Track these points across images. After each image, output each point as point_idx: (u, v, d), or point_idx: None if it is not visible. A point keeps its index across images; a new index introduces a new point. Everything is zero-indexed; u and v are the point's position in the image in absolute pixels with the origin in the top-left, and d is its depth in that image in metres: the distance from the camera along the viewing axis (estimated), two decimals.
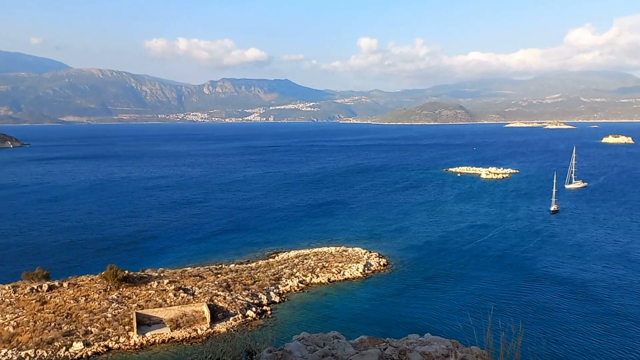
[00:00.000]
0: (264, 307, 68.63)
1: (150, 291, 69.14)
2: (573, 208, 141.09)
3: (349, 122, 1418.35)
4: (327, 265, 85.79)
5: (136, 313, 62.07)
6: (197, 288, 71.13)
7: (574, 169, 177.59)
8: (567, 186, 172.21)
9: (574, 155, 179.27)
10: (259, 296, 71.04)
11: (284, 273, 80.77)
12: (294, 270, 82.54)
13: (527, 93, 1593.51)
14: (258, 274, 79.48)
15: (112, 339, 57.93)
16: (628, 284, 78.56)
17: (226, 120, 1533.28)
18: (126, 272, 71.43)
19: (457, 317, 61.21)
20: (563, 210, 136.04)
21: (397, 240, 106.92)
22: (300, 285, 77.47)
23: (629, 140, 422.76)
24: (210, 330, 61.04)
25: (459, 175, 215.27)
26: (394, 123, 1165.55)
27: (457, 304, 70.61)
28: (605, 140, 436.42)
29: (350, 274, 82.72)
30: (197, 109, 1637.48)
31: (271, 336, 15.26)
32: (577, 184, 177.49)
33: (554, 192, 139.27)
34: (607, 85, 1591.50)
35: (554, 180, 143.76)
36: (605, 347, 57.56)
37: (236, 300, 68.33)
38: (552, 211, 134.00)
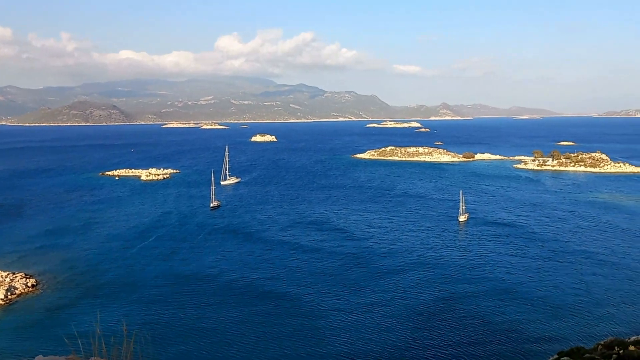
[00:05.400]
0: None
1: None
2: (231, 202, 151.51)
3: None
4: None
5: None
6: None
7: (228, 166, 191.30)
8: (222, 183, 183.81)
9: (226, 153, 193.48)
10: None
11: None
12: None
13: (182, 94, 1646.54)
14: None
15: None
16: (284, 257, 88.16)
17: None
18: None
19: (107, 331, 56.82)
20: (223, 205, 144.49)
21: (51, 255, 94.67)
22: None
23: (273, 138, 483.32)
24: None
25: (117, 178, 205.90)
26: (37, 124, 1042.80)
27: (114, 315, 65.87)
28: (254, 138, 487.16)
29: None
30: None
31: None
32: (232, 180, 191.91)
33: (212, 189, 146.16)
34: (253, 90, 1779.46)
35: (212, 178, 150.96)
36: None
37: None
38: (213, 207, 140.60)
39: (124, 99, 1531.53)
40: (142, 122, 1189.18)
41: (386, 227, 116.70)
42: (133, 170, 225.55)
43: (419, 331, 61.90)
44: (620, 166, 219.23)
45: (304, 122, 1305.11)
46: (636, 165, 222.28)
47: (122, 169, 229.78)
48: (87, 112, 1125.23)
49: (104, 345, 11.98)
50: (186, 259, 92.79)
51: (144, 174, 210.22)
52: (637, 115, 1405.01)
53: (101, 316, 64.90)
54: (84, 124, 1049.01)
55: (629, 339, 50.16)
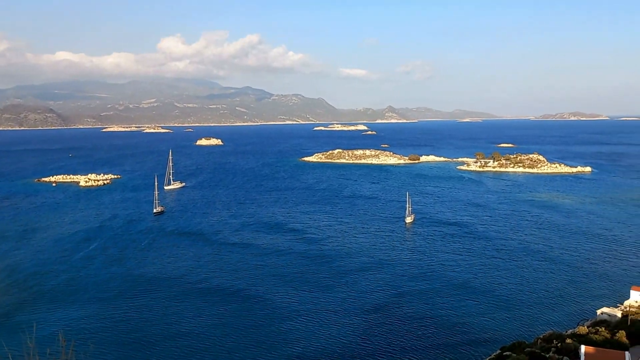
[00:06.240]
0: None
1: None
2: (175, 207, 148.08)
3: None
4: None
5: None
6: None
7: (171, 171, 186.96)
8: (166, 187, 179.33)
9: (170, 157, 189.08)
10: None
11: None
12: None
13: (123, 97, 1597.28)
14: None
15: None
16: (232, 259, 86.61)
17: None
18: None
19: (44, 342, 54.10)
20: (167, 211, 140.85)
21: None
22: None
23: (219, 142, 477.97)
24: None
25: (54, 184, 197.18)
26: None
27: (53, 327, 62.70)
28: (199, 142, 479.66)
29: None
30: None
31: None
32: (176, 185, 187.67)
33: (156, 195, 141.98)
34: (197, 92, 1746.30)
35: (155, 183, 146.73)
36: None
37: None
38: (156, 213, 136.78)
39: (61, 101, 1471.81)
40: (81, 126, 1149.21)
41: (336, 229, 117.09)
42: (71, 175, 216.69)
43: (371, 329, 62.18)
44: (556, 167, 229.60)
45: (251, 125, 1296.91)
46: (570, 166, 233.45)
47: (60, 174, 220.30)
48: (21, 115, 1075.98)
49: (38, 358, 11.50)
50: (129, 267, 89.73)
51: (83, 180, 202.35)
52: (570, 118, 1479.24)
53: (38, 327, 61.79)
54: (18, 129, 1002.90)
55: (566, 332, 52.25)
